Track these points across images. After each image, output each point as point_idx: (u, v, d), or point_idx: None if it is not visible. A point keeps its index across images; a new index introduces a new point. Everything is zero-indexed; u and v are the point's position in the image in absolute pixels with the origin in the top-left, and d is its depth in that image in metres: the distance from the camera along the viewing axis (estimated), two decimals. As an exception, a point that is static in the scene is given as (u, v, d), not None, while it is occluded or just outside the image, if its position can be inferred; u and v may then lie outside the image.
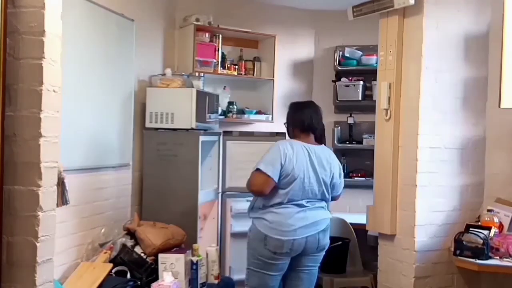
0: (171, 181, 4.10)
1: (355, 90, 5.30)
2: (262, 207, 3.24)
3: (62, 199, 2.70)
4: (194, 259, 3.55)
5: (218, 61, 4.86)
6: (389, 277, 3.91)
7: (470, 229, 3.67)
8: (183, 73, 4.39)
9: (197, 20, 4.71)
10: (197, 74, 4.57)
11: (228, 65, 5.03)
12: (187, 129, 4.09)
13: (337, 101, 5.40)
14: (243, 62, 5.15)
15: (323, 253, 3.45)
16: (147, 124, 4.19)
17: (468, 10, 3.86)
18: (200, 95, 4.17)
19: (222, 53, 4.96)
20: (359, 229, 4.44)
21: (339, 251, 4.43)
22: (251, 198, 3.38)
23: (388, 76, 3.88)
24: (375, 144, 4.04)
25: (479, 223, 3.79)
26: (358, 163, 5.42)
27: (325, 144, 3.46)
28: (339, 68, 5.41)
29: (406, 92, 3.83)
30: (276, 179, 3.17)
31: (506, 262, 3.46)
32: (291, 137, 3.43)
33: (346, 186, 5.37)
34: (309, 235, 3.26)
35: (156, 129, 4.18)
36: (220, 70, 4.90)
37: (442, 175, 3.81)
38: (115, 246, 3.56)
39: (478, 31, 3.90)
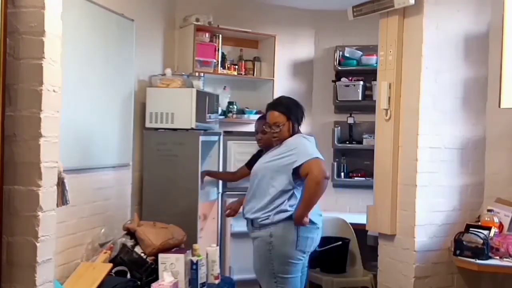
0: (171, 181, 4.09)
1: (355, 90, 5.30)
2: (290, 207, 3.17)
3: (62, 199, 2.70)
4: (194, 259, 3.54)
5: (218, 61, 4.86)
6: (389, 277, 3.91)
7: (470, 229, 3.67)
8: (183, 73, 4.38)
9: (197, 20, 4.71)
10: (197, 74, 4.57)
11: (228, 65, 5.03)
12: (187, 129, 4.09)
13: (337, 101, 5.40)
14: (243, 62, 5.15)
15: None
16: (147, 124, 4.19)
17: (468, 10, 3.86)
18: (200, 95, 4.17)
19: (222, 53, 4.96)
20: (359, 229, 4.44)
21: (339, 251, 4.44)
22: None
23: (388, 76, 3.88)
24: (375, 144, 4.04)
25: (479, 223, 3.79)
26: (358, 163, 5.42)
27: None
28: (339, 68, 5.41)
29: (406, 92, 3.83)
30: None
31: (506, 262, 3.46)
32: (294, 133, 3.33)
33: (346, 186, 5.47)
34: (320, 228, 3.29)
35: (156, 129, 4.17)
36: (220, 70, 4.90)
37: (442, 175, 3.81)
38: (115, 246, 3.55)
39: (478, 31, 3.90)
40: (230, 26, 4.96)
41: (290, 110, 3.32)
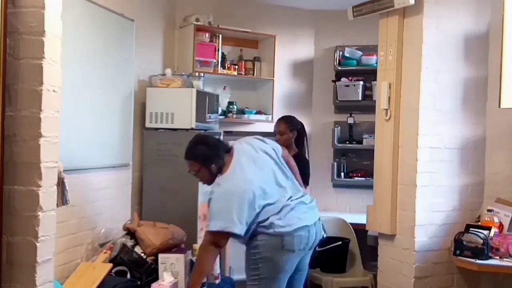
0: (171, 181, 4.09)
1: (355, 90, 5.30)
2: (267, 218, 2.99)
3: (62, 199, 2.70)
4: (194, 259, 3.54)
5: (218, 61, 4.86)
6: (389, 277, 3.91)
7: (470, 229, 3.67)
8: (183, 73, 4.39)
9: (197, 20, 4.71)
10: (197, 74, 4.57)
11: (228, 65, 5.03)
12: (187, 129, 4.09)
13: (337, 101, 5.40)
14: (243, 62, 5.15)
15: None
16: (147, 124, 4.19)
17: (468, 10, 3.86)
18: (200, 95, 4.17)
19: (222, 53, 4.96)
20: (359, 229, 4.44)
21: (339, 251, 4.44)
22: None
23: (388, 76, 3.88)
24: (375, 144, 4.04)
25: (479, 223, 3.79)
26: (358, 163, 5.42)
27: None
28: (339, 68, 5.41)
29: (406, 92, 3.83)
30: (243, 232, 2.90)
31: (506, 262, 3.46)
32: (217, 172, 3.06)
33: (346, 186, 5.47)
34: (316, 222, 3.09)
35: (156, 129, 4.17)
36: (220, 70, 4.91)
37: (442, 175, 3.81)
38: (115, 246, 3.56)
39: (478, 31, 3.90)
40: (230, 26, 4.96)
41: (197, 155, 3.14)
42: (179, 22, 4.87)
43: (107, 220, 3.79)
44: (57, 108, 2.26)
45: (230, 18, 5.02)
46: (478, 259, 3.49)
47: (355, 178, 5.36)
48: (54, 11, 2.21)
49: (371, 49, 5.05)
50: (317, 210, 3.20)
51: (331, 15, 5.35)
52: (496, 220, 3.71)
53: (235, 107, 5.06)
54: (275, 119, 5.04)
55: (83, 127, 3.49)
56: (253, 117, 5.15)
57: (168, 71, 4.29)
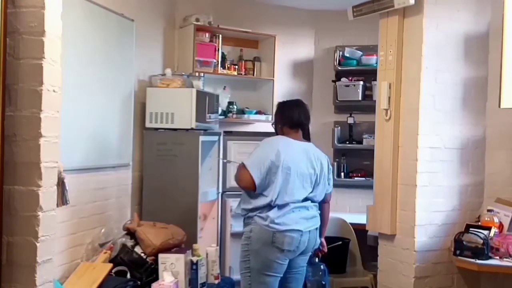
0: (171, 181, 4.09)
1: (355, 90, 5.30)
2: (266, 206, 3.17)
3: (62, 199, 2.70)
4: (194, 259, 3.54)
5: (218, 61, 4.86)
6: (389, 277, 3.91)
7: (470, 229, 3.67)
8: (183, 73, 4.38)
9: (197, 20, 4.71)
10: (197, 74, 4.57)
11: (228, 65, 5.03)
12: (187, 129, 4.09)
13: (337, 101, 5.40)
14: (243, 62, 5.15)
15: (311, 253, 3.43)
16: (147, 124, 4.19)
17: (468, 10, 3.86)
18: (200, 95, 4.17)
19: (222, 53, 4.96)
20: (359, 229, 4.44)
21: (339, 251, 4.43)
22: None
23: (388, 76, 3.88)
24: (375, 144, 4.04)
25: (479, 223, 3.79)
26: (358, 163, 5.42)
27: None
28: (339, 68, 5.41)
29: (406, 92, 3.83)
30: (258, 182, 3.15)
31: (506, 262, 3.46)
32: (279, 134, 3.40)
33: (346, 186, 5.46)
34: (311, 230, 3.25)
35: (156, 129, 4.17)
36: (220, 70, 4.90)
37: (442, 175, 3.81)
38: (115, 246, 3.56)
39: (478, 31, 3.90)
40: (230, 26, 4.96)
41: (275, 113, 3.50)
42: (179, 22, 4.87)
43: (107, 220, 3.79)
44: (57, 108, 2.26)
45: (230, 18, 5.02)
46: (478, 259, 3.49)
47: (355, 178, 5.36)
48: (54, 11, 2.21)
49: (371, 49, 5.05)
50: (317, 220, 3.35)
51: (331, 15, 5.35)
52: (496, 220, 3.71)
53: (235, 107, 5.06)
54: (275, 119, 5.06)
55: (83, 127, 3.48)
56: (253, 117, 5.14)
57: (168, 71, 4.29)
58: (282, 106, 3.46)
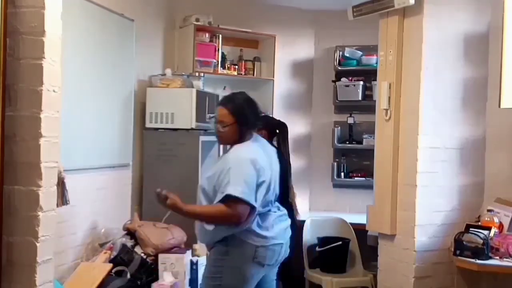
0: (171, 181, 4.09)
1: (355, 90, 5.30)
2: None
3: (62, 199, 2.71)
4: (194, 259, 3.55)
5: (218, 61, 4.87)
6: (389, 277, 3.91)
7: (470, 229, 3.66)
8: (183, 73, 4.39)
9: (197, 20, 4.71)
10: (197, 74, 4.57)
11: (228, 65, 5.03)
12: (187, 129, 4.09)
13: (337, 101, 5.40)
14: (243, 62, 5.15)
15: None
16: (147, 124, 4.19)
17: (468, 10, 3.86)
18: (200, 95, 4.17)
19: (222, 53, 4.96)
20: (359, 229, 4.43)
21: (339, 251, 4.43)
22: None
23: (388, 76, 3.88)
24: (375, 144, 4.04)
25: (479, 223, 3.79)
26: (358, 163, 5.42)
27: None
28: (339, 68, 5.41)
29: (406, 92, 3.83)
30: (254, 202, 2.66)
31: (506, 262, 3.46)
32: (242, 138, 2.81)
33: (346, 186, 5.46)
34: (285, 242, 2.91)
35: (156, 129, 4.18)
36: (220, 70, 4.91)
37: (442, 175, 3.80)
38: (115, 246, 3.56)
39: (478, 31, 3.90)
40: (230, 26, 4.96)
41: (240, 111, 2.80)
42: (179, 22, 4.87)
43: (107, 220, 3.79)
44: (57, 108, 2.26)
45: (230, 18, 5.02)
46: (478, 259, 3.49)
47: (355, 178, 5.36)
48: (54, 11, 2.21)
49: (371, 49, 5.05)
50: (290, 229, 3.00)
51: (331, 15, 5.34)
52: (496, 220, 3.71)
53: (235, 107, 5.05)
54: (275, 119, 5.06)
55: (83, 127, 3.49)
56: (253, 117, 5.14)
57: (168, 71, 4.30)
58: (253, 105, 2.88)
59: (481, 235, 3.54)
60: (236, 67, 5.09)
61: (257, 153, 2.76)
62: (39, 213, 2.14)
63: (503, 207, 3.78)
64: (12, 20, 2.14)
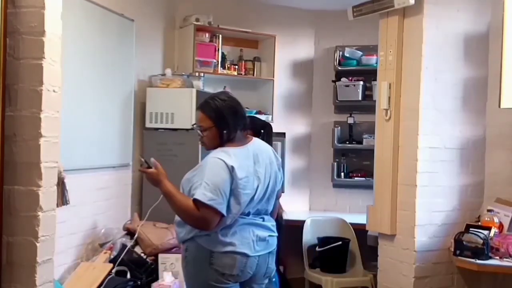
0: (171, 181, 4.08)
1: (355, 90, 5.30)
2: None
3: (62, 199, 2.71)
4: (194, 259, 3.54)
5: (218, 61, 4.87)
6: (389, 277, 3.91)
7: (470, 229, 3.66)
8: (183, 73, 4.39)
9: (197, 20, 4.71)
10: (197, 74, 4.57)
11: (228, 65, 5.03)
12: (187, 129, 4.09)
13: (337, 101, 5.40)
14: (243, 62, 5.15)
15: (267, 282, 2.77)
16: (147, 124, 4.19)
17: (468, 10, 3.86)
18: (200, 95, 4.17)
19: (222, 53, 4.96)
20: (359, 229, 4.44)
21: (339, 251, 4.44)
22: None
23: (388, 76, 3.88)
24: (375, 144, 4.04)
25: (479, 223, 3.79)
26: (358, 163, 5.42)
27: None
28: (339, 68, 5.41)
29: (406, 92, 3.83)
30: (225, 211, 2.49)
31: (506, 262, 3.46)
32: (226, 141, 2.64)
33: (346, 186, 5.47)
34: (260, 255, 2.64)
35: (156, 129, 4.18)
36: (220, 70, 4.91)
37: (442, 175, 3.80)
38: (115, 246, 3.56)
39: (478, 31, 3.90)
40: (230, 26, 4.96)
41: (218, 113, 2.64)
42: (179, 22, 4.87)
43: (107, 220, 3.79)
44: (57, 108, 2.26)
45: (230, 18, 5.02)
46: (478, 259, 3.49)
47: (355, 178, 5.36)
48: (54, 11, 2.21)
49: (371, 49, 5.05)
50: (275, 241, 2.76)
51: (331, 15, 5.34)
52: (496, 220, 3.71)
53: (235, 107, 5.05)
54: (275, 119, 5.06)
55: (83, 127, 3.49)
56: (253, 117, 5.15)
57: (168, 71, 4.30)
58: (233, 107, 2.69)
59: (481, 235, 3.54)
60: (236, 67, 5.09)
61: (236, 158, 2.56)
62: (39, 213, 2.14)
63: (503, 207, 3.78)
64: (12, 20, 2.14)
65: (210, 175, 2.51)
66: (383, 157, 3.92)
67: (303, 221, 4.61)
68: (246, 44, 5.24)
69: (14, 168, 2.14)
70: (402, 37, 3.84)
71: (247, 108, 5.14)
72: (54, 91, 2.22)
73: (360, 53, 5.34)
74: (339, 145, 5.40)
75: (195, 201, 2.48)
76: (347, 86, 5.34)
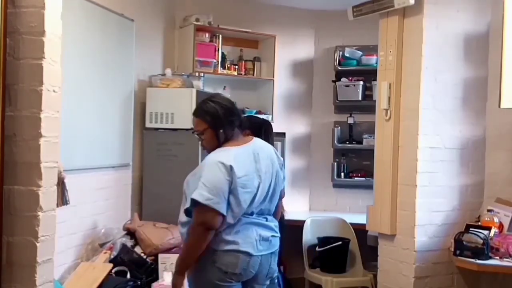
0: (171, 181, 4.09)
1: (355, 90, 5.30)
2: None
3: (62, 199, 2.71)
4: (194, 259, 3.54)
5: (218, 61, 4.87)
6: (389, 277, 3.91)
7: (470, 229, 3.67)
8: (183, 73, 4.39)
9: (197, 20, 4.71)
10: (197, 74, 4.57)
11: (228, 65, 5.03)
12: (187, 129, 4.08)
13: (337, 101, 5.40)
14: (243, 62, 5.15)
15: (268, 283, 2.77)
16: (147, 124, 4.19)
17: (468, 10, 3.86)
18: (200, 95, 4.17)
19: (222, 53, 4.96)
20: (359, 229, 4.44)
21: (339, 251, 4.44)
22: None
23: (388, 76, 3.88)
24: (375, 144, 4.04)
25: (479, 223, 3.79)
26: (358, 163, 5.42)
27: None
28: (339, 68, 5.41)
29: (406, 92, 3.83)
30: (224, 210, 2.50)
31: (506, 262, 3.46)
32: (223, 141, 2.67)
33: (346, 186, 5.47)
34: (263, 255, 2.65)
35: (156, 129, 4.18)
36: (220, 70, 4.91)
37: (442, 175, 3.80)
38: (115, 246, 3.56)
39: (478, 31, 3.90)
40: (230, 26, 4.96)
41: (210, 114, 2.67)
42: (179, 22, 4.87)
43: (107, 220, 3.79)
44: (57, 108, 2.26)
45: (230, 18, 5.02)
46: (478, 259, 3.49)
47: (355, 178, 5.36)
48: (54, 11, 2.21)
49: (371, 49, 5.05)
50: (277, 242, 2.77)
51: (331, 15, 5.35)
52: (496, 220, 3.71)
53: (235, 107, 5.06)
54: (275, 119, 5.07)
55: (83, 127, 3.49)
56: (253, 117, 5.15)
57: (168, 71, 4.30)
58: (225, 106, 2.70)
59: (481, 235, 3.54)
60: (236, 67, 5.09)
61: (236, 157, 2.57)
62: (39, 213, 2.14)
63: (503, 207, 3.78)
64: (12, 20, 2.14)
65: (208, 175, 2.54)
66: (383, 157, 3.92)
67: (303, 221, 4.61)
68: (246, 44, 5.24)
69: (14, 168, 2.14)
70: (402, 37, 3.84)
71: (247, 108, 5.16)
72: (54, 91, 2.22)
73: (360, 53, 5.34)
74: (339, 145, 5.40)
75: (192, 200, 2.51)
76: (347, 86, 5.34)
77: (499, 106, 3.70)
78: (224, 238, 2.56)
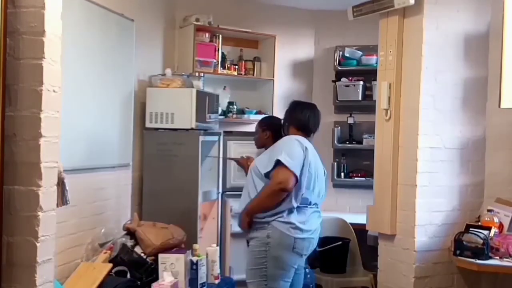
0: (171, 181, 4.09)
1: (355, 90, 5.30)
2: (285, 210, 3.11)
3: (62, 199, 2.70)
4: (194, 259, 3.54)
5: (218, 61, 4.87)
6: (389, 277, 3.91)
7: (470, 229, 3.67)
8: (183, 73, 4.39)
9: (197, 20, 4.71)
10: (197, 74, 4.57)
11: (228, 65, 5.03)
12: (187, 129, 4.09)
13: (337, 101, 5.40)
14: (243, 62, 5.15)
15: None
16: (147, 124, 4.19)
17: (468, 10, 3.86)
18: (200, 95, 4.17)
19: (222, 53, 4.96)
20: (359, 229, 4.44)
21: (339, 251, 4.44)
22: None
23: (388, 76, 3.88)
24: (375, 144, 4.04)
25: (479, 223, 3.79)
26: (358, 163, 5.42)
27: None
28: (339, 68, 5.41)
29: (406, 92, 3.83)
30: (298, 174, 3.05)
31: (506, 262, 3.46)
32: (286, 134, 3.33)
33: (346, 186, 5.47)
34: (316, 236, 3.27)
35: (156, 129, 4.18)
36: (220, 70, 4.91)
37: (442, 175, 3.81)
38: (115, 246, 3.55)
39: (478, 31, 3.90)
40: (230, 26, 4.96)
41: (286, 111, 3.45)
42: (179, 22, 4.87)
43: (107, 220, 3.79)
44: (57, 108, 2.26)
45: (230, 18, 5.02)
46: (478, 259, 3.49)
47: (355, 178, 5.36)
48: (54, 11, 2.21)
49: (371, 49, 5.05)
50: (321, 225, 3.33)
51: (331, 15, 5.35)
52: (496, 220, 3.71)
53: (235, 107, 5.06)
54: (275, 119, 5.06)
55: (83, 127, 3.49)
56: (253, 117, 5.14)
57: (168, 71, 4.29)
58: (295, 105, 3.43)
59: (481, 235, 3.55)
60: (236, 67, 5.09)
61: (306, 141, 3.19)
62: (39, 213, 2.14)
63: (503, 207, 3.78)
64: (12, 20, 2.14)
65: (286, 147, 3.10)
66: (383, 157, 3.92)
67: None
68: (246, 44, 5.24)
69: (14, 168, 2.14)
70: (402, 37, 3.84)
71: (247, 108, 5.17)
72: (54, 91, 2.22)
73: (360, 53, 5.34)
74: (339, 145, 5.41)
75: (277, 162, 3.01)
76: (347, 86, 5.34)
77: (499, 106, 3.70)
78: (301, 227, 3.10)
